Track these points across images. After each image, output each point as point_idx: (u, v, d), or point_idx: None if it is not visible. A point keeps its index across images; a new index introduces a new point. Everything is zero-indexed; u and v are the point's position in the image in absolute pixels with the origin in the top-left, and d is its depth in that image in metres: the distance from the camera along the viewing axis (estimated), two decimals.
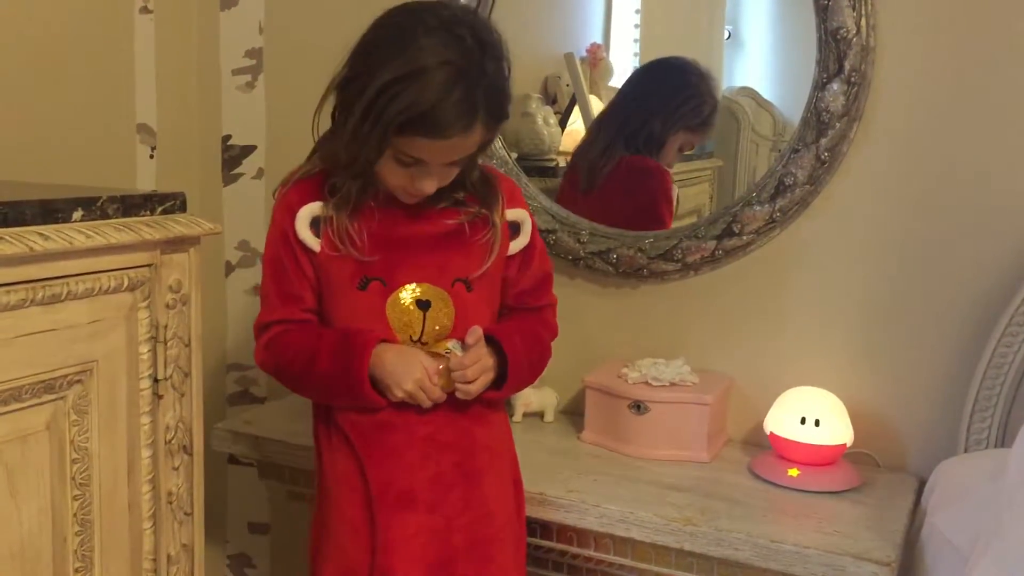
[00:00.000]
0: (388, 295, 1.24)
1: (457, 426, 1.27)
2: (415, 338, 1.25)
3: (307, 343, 1.25)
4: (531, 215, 1.35)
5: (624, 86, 1.80)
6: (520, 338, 1.29)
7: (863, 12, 1.47)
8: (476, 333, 1.23)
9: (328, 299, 1.27)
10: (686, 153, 1.75)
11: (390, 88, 1.11)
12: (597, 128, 1.81)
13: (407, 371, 1.21)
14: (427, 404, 1.23)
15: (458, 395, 1.24)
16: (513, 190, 1.36)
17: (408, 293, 1.24)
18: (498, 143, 1.80)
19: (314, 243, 1.24)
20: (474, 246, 1.27)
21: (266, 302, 1.29)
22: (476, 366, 1.23)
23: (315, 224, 1.24)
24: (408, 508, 1.24)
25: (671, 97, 1.75)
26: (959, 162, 1.48)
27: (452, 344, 1.24)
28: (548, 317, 1.39)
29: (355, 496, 1.26)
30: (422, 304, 1.24)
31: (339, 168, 1.22)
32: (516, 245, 1.32)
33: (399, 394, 1.22)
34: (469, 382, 1.23)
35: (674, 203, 1.74)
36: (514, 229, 1.32)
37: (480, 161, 1.29)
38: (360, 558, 1.26)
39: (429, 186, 1.20)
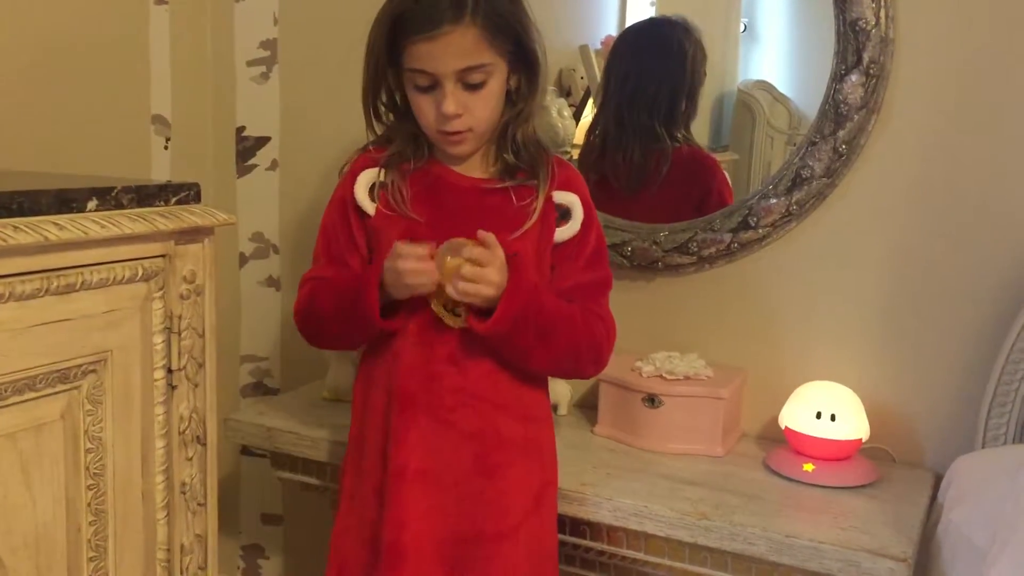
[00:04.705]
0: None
1: (484, 415, 1.25)
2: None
3: (339, 284, 1.28)
4: (591, 209, 1.31)
5: (625, 68, 1.74)
6: (546, 296, 1.24)
7: (882, 3, 1.45)
8: (491, 239, 1.19)
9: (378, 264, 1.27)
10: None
11: (384, 8, 1.22)
12: (619, 128, 1.74)
13: (392, 266, 1.19)
14: (432, 287, 1.19)
15: (449, 291, 1.18)
16: (572, 177, 1.32)
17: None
18: None
19: (370, 206, 1.29)
20: (520, 212, 1.26)
21: (316, 261, 1.35)
22: (484, 270, 1.17)
23: (373, 191, 1.29)
24: (421, 485, 1.23)
25: (681, 68, 1.70)
26: (978, 154, 1.46)
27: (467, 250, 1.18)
28: (595, 320, 1.29)
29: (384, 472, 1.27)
30: None
31: (375, 113, 1.29)
32: (563, 233, 1.29)
33: (404, 292, 1.21)
34: (471, 277, 1.17)
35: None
36: (562, 213, 1.29)
37: (531, 126, 1.29)
38: (376, 533, 1.26)
39: (449, 104, 1.20)
